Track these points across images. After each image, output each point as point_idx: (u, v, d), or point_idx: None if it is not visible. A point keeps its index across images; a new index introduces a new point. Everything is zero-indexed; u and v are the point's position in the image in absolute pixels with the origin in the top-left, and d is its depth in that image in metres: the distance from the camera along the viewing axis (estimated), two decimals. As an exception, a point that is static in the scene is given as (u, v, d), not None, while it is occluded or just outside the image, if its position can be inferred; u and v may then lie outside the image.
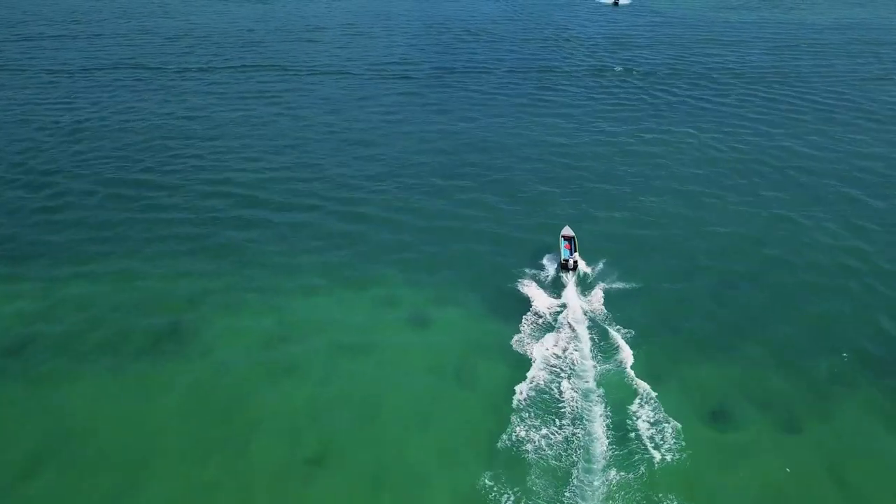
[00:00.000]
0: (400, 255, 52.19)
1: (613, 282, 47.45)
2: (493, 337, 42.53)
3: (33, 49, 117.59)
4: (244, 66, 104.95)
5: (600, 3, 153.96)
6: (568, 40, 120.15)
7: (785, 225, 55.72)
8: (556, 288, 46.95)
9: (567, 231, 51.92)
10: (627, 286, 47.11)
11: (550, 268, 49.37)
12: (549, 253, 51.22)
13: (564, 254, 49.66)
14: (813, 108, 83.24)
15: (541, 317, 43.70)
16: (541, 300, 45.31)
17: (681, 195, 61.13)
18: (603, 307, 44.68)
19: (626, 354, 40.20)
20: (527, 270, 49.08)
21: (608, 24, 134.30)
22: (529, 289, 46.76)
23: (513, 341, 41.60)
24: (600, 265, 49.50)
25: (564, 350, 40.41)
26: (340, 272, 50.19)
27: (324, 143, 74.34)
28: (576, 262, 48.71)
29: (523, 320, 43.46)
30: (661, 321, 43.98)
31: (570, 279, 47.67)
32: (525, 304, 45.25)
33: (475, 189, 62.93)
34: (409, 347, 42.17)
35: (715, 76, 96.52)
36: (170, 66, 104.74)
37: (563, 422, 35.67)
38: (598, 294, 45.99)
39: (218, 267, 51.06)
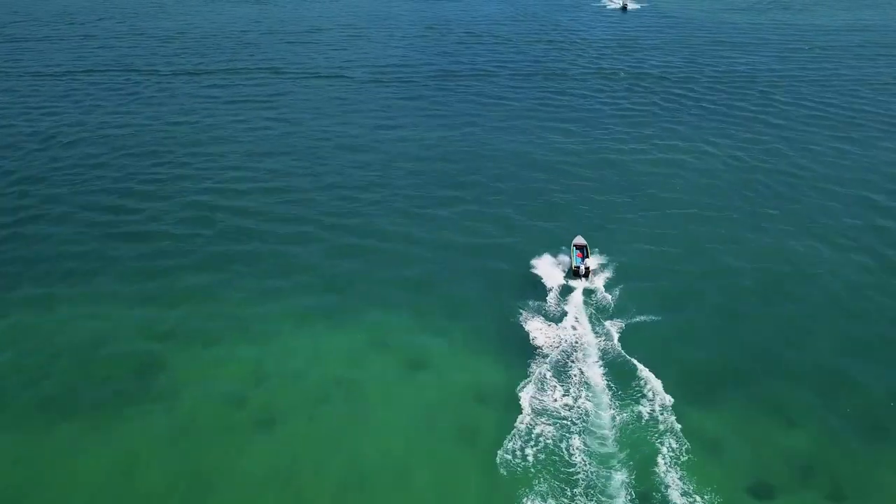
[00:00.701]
0: (396, 274, 47.82)
1: (632, 315, 42.26)
2: (495, 380, 37.56)
3: (20, 51, 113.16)
4: (236, 69, 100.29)
5: (608, 8, 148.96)
6: (575, 42, 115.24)
7: (823, 248, 50.26)
8: (566, 320, 41.88)
9: (579, 240, 48.94)
10: (647, 319, 41.97)
11: (559, 291, 44.72)
12: (557, 272, 46.58)
13: (576, 261, 46.47)
14: (831, 114, 77.93)
15: (548, 356, 38.69)
16: (549, 336, 40.33)
17: (701, 208, 56.08)
18: (619, 344, 39.69)
19: (648, 406, 35.09)
20: (531, 302, 43.86)
21: (616, 27, 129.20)
22: (536, 322, 41.84)
23: (518, 388, 36.45)
24: (616, 292, 44.60)
25: (576, 399, 35.50)
26: (330, 298, 45.48)
27: (318, 151, 69.72)
28: (587, 268, 45.58)
29: (529, 362, 38.40)
30: (686, 364, 38.61)
31: (581, 286, 44.82)
32: (531, 340, 40.24)
33: (477, 201, 58.33)
34: (401, 394, 37.22)
35: (727, 81, 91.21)
36: (161, 69, 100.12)
37: (576, 490, 30.77)
38: (613, 328, 41.02)
39: (194, 291, 46.39)
